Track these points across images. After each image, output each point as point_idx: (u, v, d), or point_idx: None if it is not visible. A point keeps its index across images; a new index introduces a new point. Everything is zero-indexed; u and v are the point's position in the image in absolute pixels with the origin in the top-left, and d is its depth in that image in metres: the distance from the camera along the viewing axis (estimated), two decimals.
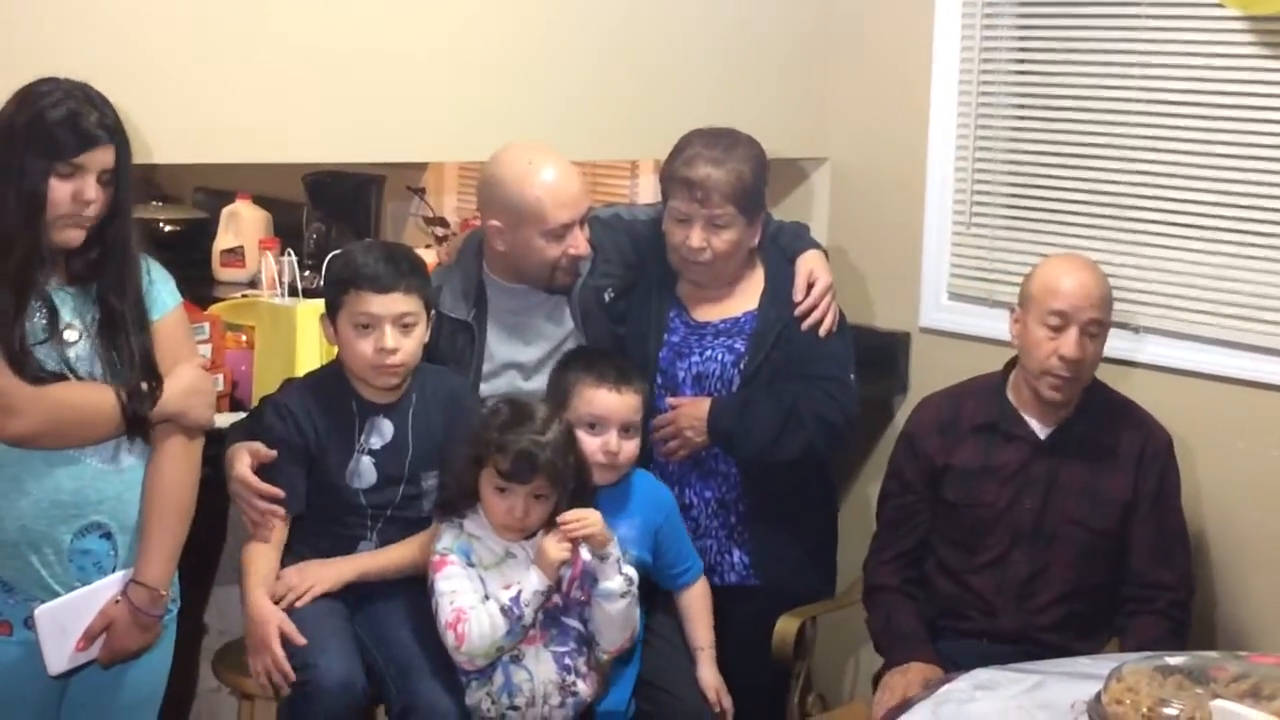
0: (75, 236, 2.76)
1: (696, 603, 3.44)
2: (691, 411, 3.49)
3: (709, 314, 3.60)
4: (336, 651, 3.06)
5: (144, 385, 2.80)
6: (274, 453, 3.18)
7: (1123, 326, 3.77)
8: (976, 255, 4.20)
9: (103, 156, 2.74)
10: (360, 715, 3.10)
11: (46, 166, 2.71)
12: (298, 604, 3.10)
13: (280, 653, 3.05)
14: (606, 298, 3.56)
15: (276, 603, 3.10)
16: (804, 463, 3.58)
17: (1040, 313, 3.37)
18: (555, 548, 3.02)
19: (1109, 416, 3.46)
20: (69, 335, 2.78)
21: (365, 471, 3.21)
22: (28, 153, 2.70)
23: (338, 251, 3.40)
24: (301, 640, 3.06)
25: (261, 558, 3.17)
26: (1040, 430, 3.45)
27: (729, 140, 3.50)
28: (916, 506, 3.52)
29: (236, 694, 3.39)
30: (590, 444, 3.26)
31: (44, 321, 2.75)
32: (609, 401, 3.30)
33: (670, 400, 3.53)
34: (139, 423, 2.81)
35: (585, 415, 3.29)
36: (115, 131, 2.77)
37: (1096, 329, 3.37)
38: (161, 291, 2.93)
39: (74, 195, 2.72)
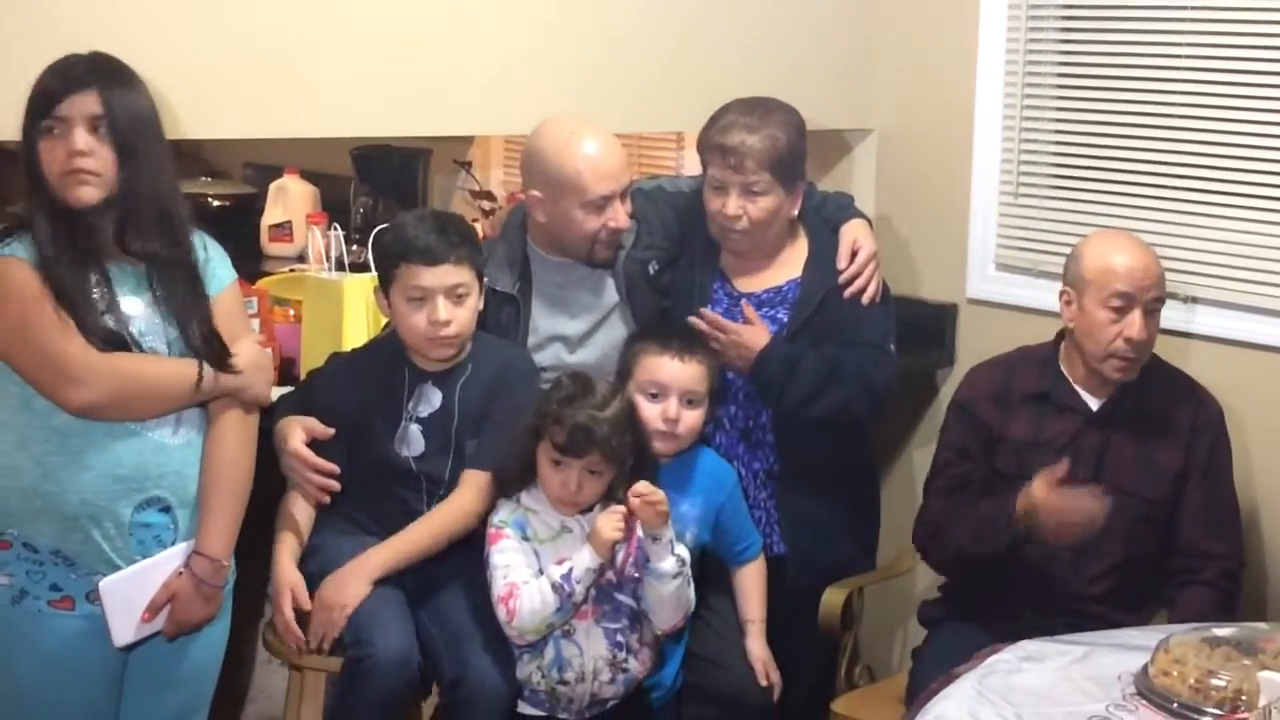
0: (85, 194, 2.73)
1: (751, 578, 3.44)
2: (748, 341, 3.43)
3: (751, 284, 3.59)
4: (394, 631, 3.07)
5: (214, 354, 2.82)
6: (330, 430, 3.20)
7: (1171, 297, 3.74)
8: (1023, 226, 4.18)
9: (83, 102, 2.70)
10: (414, 692, 3.12)
11: (34, 131, 2.72)
12: (334, 634, 3.10)
13: (289, 616, 3.12)
14: (651, 270, 3.56)
15: (321, 641, 3.11)
16: (840, 432, 3.57)
17: (1101, 296, 3.33)
18: (609, 527, 3.02)
19: (1160, 388, 3.44)
20: (128, 309, 2.80)
21: (414, 439, 3.22)
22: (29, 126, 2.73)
23: (387, 224, 3.41)
24: (308, 605, 3.12)
25: (290, 530, 3.22)
26: (1092, 402, 3.43)
27: (765, 107, 3.49)
28: (973, 475, 3.48)
29: (287, 665, 3.42)
30: (650, 411, 3.26)
31: (102, 293, 2.76)
32: (671, 369, 3.30)
33: (745, 308, 3.49)
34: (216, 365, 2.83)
35: (646, 383, 3.30)
36: (99, 74, 2.73)
37: (1156, 305, 3.34)
38: (218, 268, 2.95)
39: (66, 150, 2.70)
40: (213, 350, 2.85)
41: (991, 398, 3.50)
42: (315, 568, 3.21)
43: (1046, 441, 3.42)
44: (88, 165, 2.71)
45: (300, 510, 3.24)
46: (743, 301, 3.50)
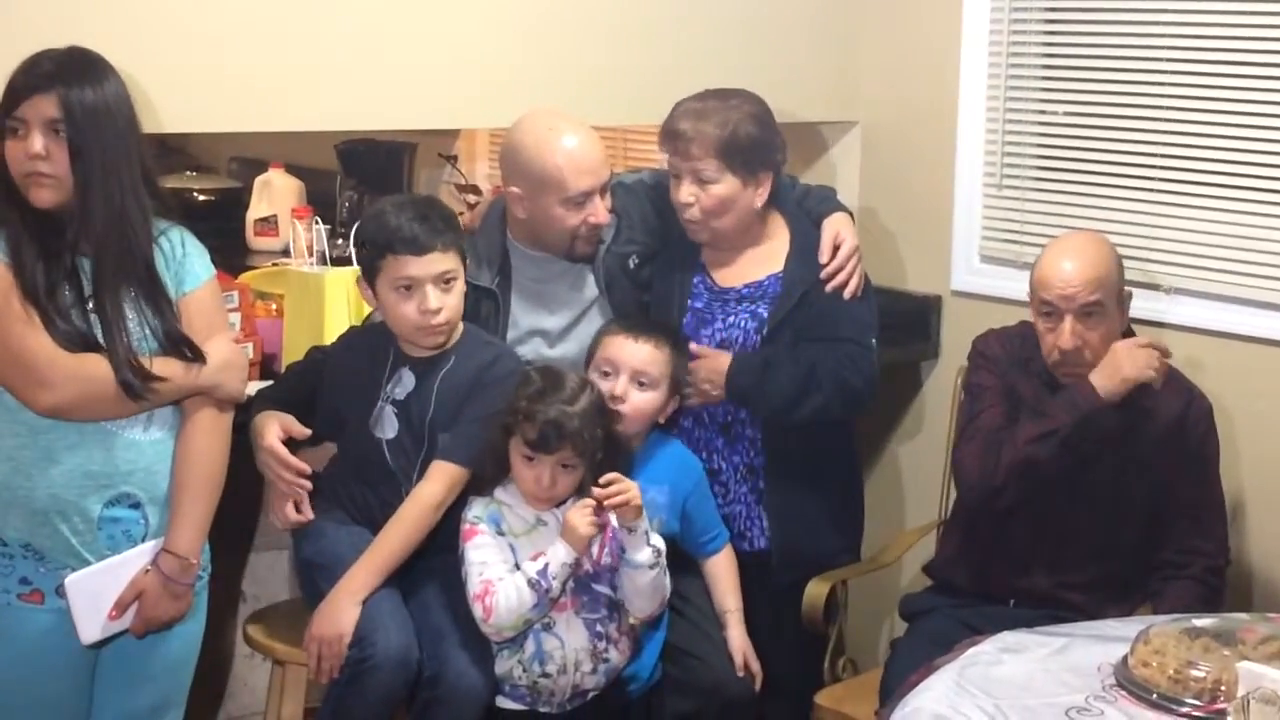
0: (41, 196, 2.73)
1: (723, 569, 3.44)
2: (712, 365, 3.45)
3: (732, 279, 3.58)
4: (394, 630, 3.06)
5: (133, 360, 2.76)
6: (307, 431, 3.20)
7: (1154, 288, 3.76)
8: (1007, 218, 4.18)
9: (42, 105, 2.69)
10: (412, 689, 3.10)
11: (2, 131, 2.72)
12: (336, 664, 3.06)
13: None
14: (631, 264, 3.55)
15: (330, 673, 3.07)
16: (825, 427, 3.56)
17: (1035, 305, 3.36)
18: (583, 523, 3.02)
19: None
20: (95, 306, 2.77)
21: (387, 421, 3.21)
22: None
23: (368, 212, 3.40)
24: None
25: None
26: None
27: (722, 95, 3.48)
28: (1012, 415, 3.44)
29: (269, 659, 3.42)
30: (600, 387, 3.25)
31: (72, 292, 2.76)
32: (622, 346, 3.31)
33: (693, 348, 3.47)
34: (133, 394, 2.77)
35: (601, 360, 3.32)
36: (63, 74, 2.71)
37: (1095, 309, 3.31)
38: (195, 264, 2.92)
39: (25, 152, 2.70)
40: (179, 351, 2.83)
41: (1005, 357, 3.51)
42: (313, 555, 3.20)
43: (1040, 415, 3.40)
44: (43, 169, 2.71)
45: None
46: (690, 345, 3.47)
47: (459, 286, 3.18)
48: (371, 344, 3.26)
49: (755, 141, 3.45)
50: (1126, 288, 3.42)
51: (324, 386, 3.29)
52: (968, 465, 3.43)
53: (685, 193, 3.45)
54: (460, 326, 3.25)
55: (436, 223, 3.14)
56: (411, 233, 3.11)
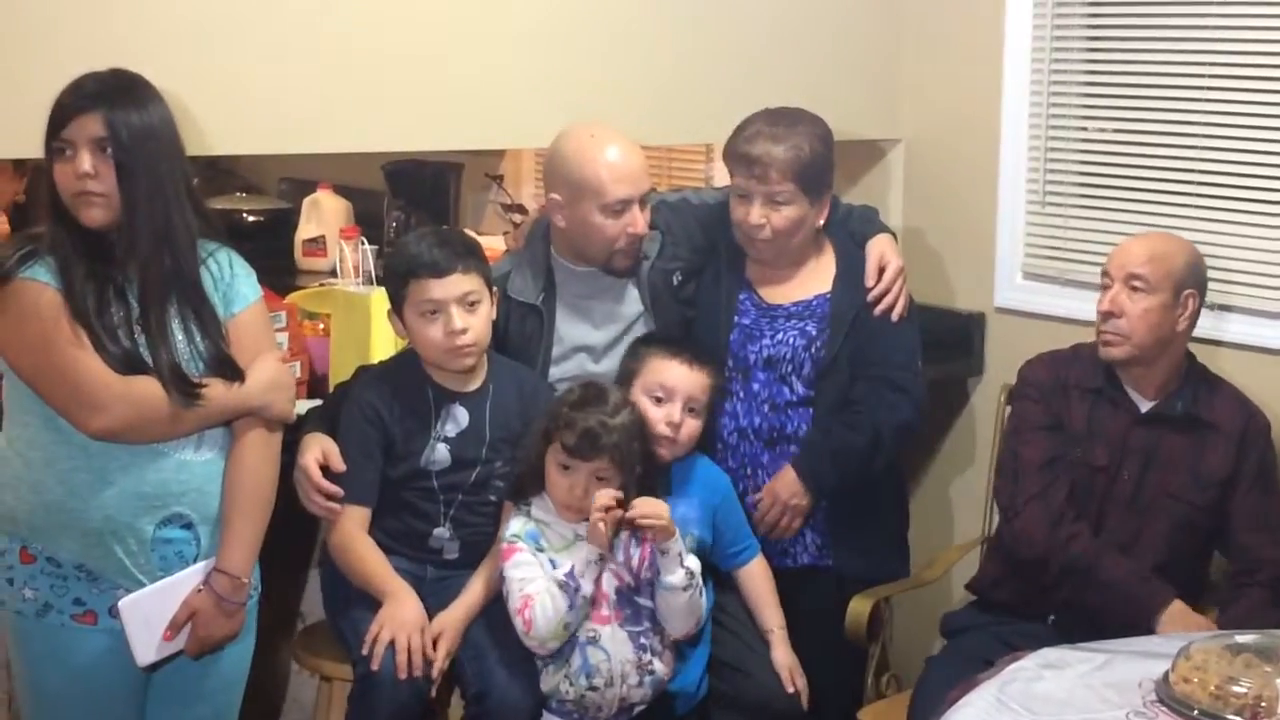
0: (93, 215, 2.75)
1: (759, 583, 3.45)
2: (783, 486, 3.50)
3: (779, 296, 3.60)
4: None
5: (177, 370, 2.79)
6: (343, 466, 3.20)
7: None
8: (1050, 234, 4.18)
9: (88, 125, 2.72)
10: (425, 706, 3.12)
11: (50, 153, 2.75)
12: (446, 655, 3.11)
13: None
14: (675, 281, 3.57)
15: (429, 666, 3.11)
16: None
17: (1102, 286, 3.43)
18: (597, 506, 3.03)
19: (1210, 395, 3.46)
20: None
21: (440, 458, 3.24)
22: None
23: (393, 247, 3.43)
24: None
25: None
26: (1142, 403, 3.45)
27: (791, 118, 3.51)
28: (1058, 447, 3.48)
29: (316, 677, 3.45)
30: (654, 414, 3.28)
31: (120, 312, 2.79)
32: (679, 373, 3.33)
33: (753, 498, 3.54)
34: (178, 401, 2.78)
35: (654, 385, 3.32)
36: (107, 94, 2.74)
37: (1139, 281, 3.36)
38: (243, 285, 2.95)
39: (74, 172, 2.73)
40: (222, 370, 2.85)
41: (1049, 386, 3.53)
42: (351, 591, 3.22)
43: (1098, 434, 3.44)
44: (93, 187, 2.73)
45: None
46: (750, 499, 3.53)
47: (484, 310, 3.21)
48: (407, 384, 3.26)
49: (823, 163, 3.51)
50: (1192, 293, 3.41)
51: (351, 440, 3.24)
52: (1033, 534, 3.43)
53: (757, 215, 3.48)
54: (484, 357, 3.29)
55: (457, 247, 3.19)
56: (432, 257, 3.15)
